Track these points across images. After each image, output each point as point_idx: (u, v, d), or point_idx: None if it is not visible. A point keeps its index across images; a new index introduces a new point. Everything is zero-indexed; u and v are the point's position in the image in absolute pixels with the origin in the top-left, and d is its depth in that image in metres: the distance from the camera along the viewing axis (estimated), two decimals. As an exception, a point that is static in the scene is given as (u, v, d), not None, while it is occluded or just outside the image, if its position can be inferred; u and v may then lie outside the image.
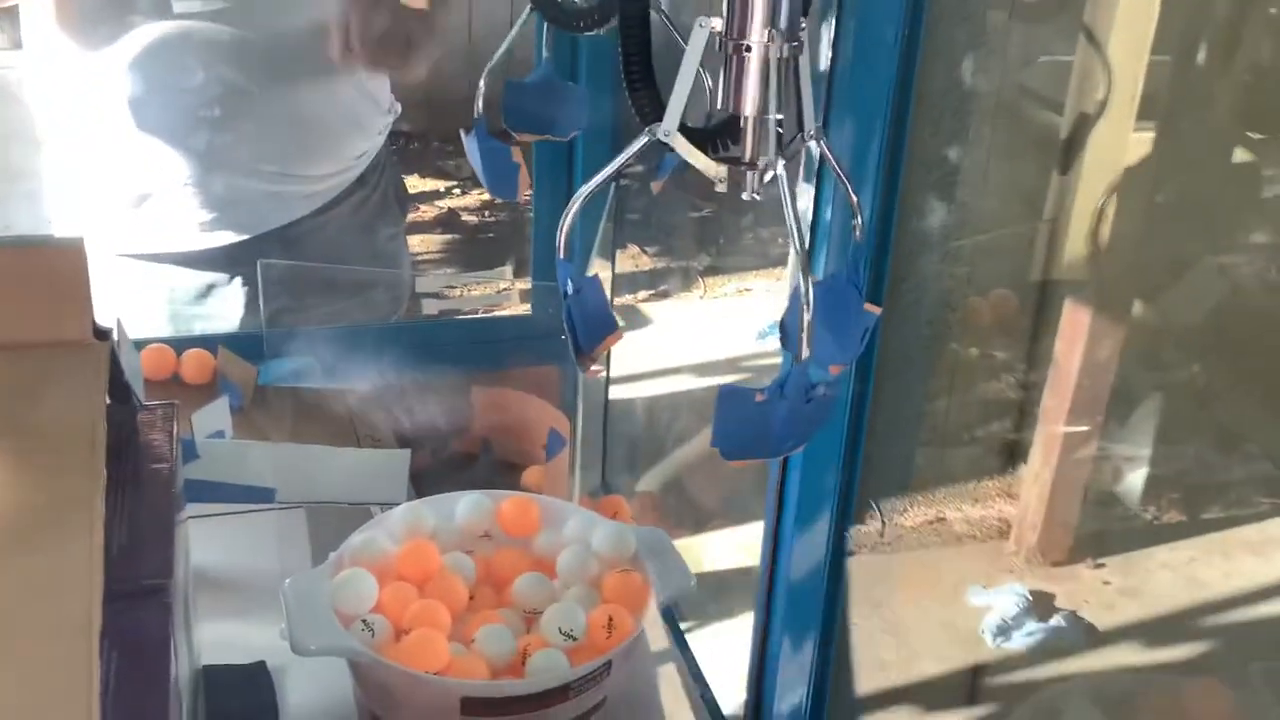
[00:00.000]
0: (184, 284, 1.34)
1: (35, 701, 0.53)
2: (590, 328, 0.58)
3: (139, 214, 1.32)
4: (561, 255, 0.58)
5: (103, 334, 0.59)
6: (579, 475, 1.13)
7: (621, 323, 0.60)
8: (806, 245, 0.73)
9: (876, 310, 0.56)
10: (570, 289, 0.58)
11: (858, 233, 0.58)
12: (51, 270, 0.56)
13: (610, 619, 0.82)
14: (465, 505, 0.93)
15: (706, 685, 0.97)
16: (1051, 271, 1.61)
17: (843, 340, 0.55)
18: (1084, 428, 1.71)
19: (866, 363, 1.45)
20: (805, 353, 0.52)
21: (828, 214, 0.74)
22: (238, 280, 1.33)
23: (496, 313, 1.39)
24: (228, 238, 1.32)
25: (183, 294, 1.34)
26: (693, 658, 1.01)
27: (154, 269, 1.34)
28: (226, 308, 1.34)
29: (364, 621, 0.81)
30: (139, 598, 0.64)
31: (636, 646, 0.85)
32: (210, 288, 1.34)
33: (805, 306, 0.51)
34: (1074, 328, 1.62)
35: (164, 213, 1.31)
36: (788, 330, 0.57)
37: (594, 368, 0.59)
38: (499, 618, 0.85)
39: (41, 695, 0.54)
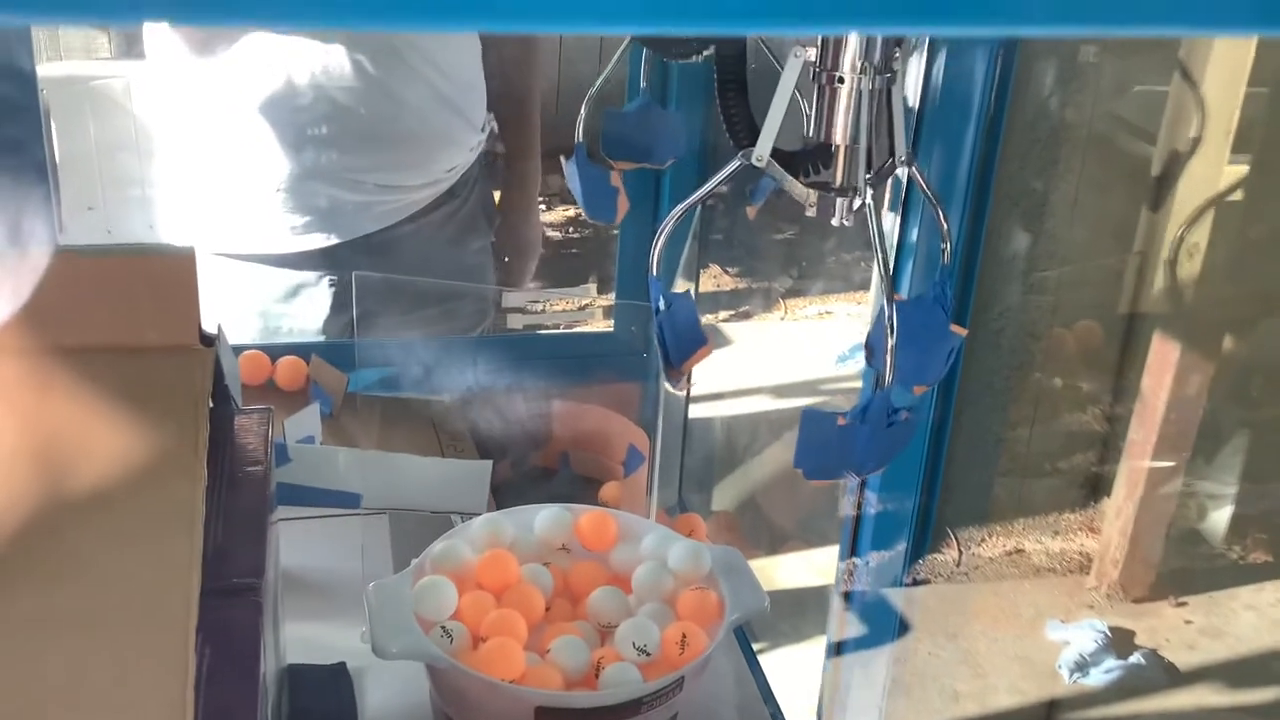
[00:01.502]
0: (275, 284, 1.39)
1: (132, 692, 0.56)
2: (681, 342, 0.59)
3: (237, 217, 1.37)
4: (654, 273, 0.59)
5: (208, 340, 0.61)
6: (656, 492, 1.14)
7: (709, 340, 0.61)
8: (892, 270, 0.73)
9: (962, 332, 0.57)
10: (662, 305, 0.59)
11: (946, 256, 0.59)
12: (163, 277, 0.58)
13: (684, 636, 0.83)
14: (544, 518, 0.95)
15: (777, 705, 0.98)
16: (1140, 304, 1.59)
17: (927, 361, 0.55)
18: (1170, 463, 1.68)
19: (948, 389, 1.45)
20: (889, 377, 0.53)
21: (914, 237, 0.74)
22: (325, 282, 1.38)
23: (580, 328, 1.40)
24: (319, 241, 1.37)
25: (272, 294, 1.39)
26: (763, 677, 1.01)
27: (247, 269, 1.38)
28: (314, 308, 1.38)
29: (443, 628, 0.83)
30: (232, 595, 0.66)
31: (708, 664, 0.86)
32: (299, 288, 1.39)
33: (889, 330, 0.52)
34: (1162, 361, 1.59)
35: (261, 217, 1.36)
36: (873, 347, 0.58)
37: (683, 381, 0.60)
38: (574, 630, 0.87)
39: (138, 686, 0.56)
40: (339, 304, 1.36)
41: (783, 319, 3.37)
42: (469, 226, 1.46)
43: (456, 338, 1.17)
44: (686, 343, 0.60)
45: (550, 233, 3.80)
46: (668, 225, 0.60)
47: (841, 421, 0.53)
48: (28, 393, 0.56)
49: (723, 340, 3.16)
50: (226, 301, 1.38)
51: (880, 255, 0.54)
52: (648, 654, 0.83)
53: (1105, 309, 1.62)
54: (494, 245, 1.52)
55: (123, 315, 0.58)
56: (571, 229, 3.81)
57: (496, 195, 1.56)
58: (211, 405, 0.65)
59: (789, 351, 3.13)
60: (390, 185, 1.37)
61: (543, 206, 3.96)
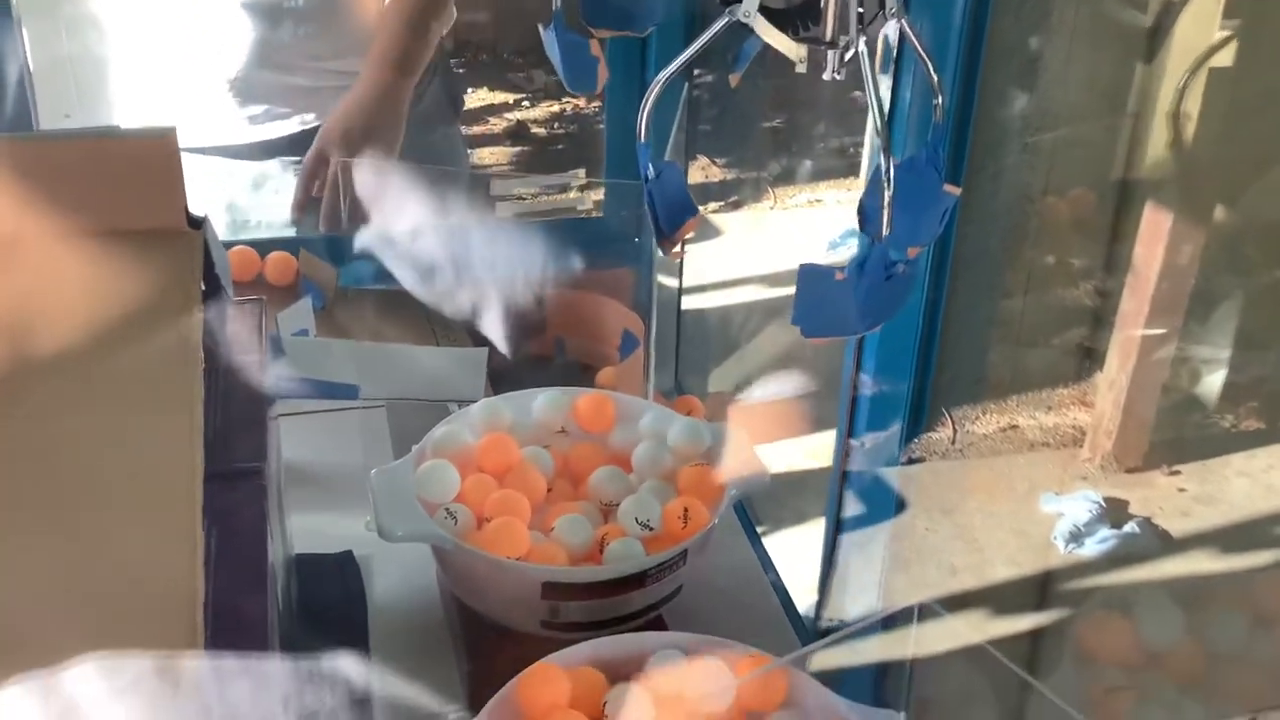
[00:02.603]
0: (238, 177, 1.38)
1: (143, 574, 0.56)
2: (671, 211, 0.59)
3: (194, 108, 1.36)
4: (642, 138, 0.58)
5: (196, 223, 0.60)
6: (653, 377, 1.14)
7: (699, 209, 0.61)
8: (887, 123, 0.72)
9: (956, 191, 0.56)
10: (651, 173, 0.59)
11: (938, 113, 0.58)
12: (145, 159, 0.57)
13: (685, 510, 0.84)
14: (542, 401, 0.95)
15: (778, 575, 0.99)
16: (1133, 170, 1.57)
17: (921, 221, 0.55)
18: (1162, 331, 1.68)
19: (942, 261, 1.44)
20: (885, 231, 0.53)
21: (906, 98, 0.73)
22: (290, 172, 1.36)
23: (570, 215, 1.39)
24: (278, 130, 1.35)
25: (237, 187, 1.38)
26: (764, 551, 1.02)
27: (209, 163, 1.37)
28: (279, 199, 1.37)
29: (447, 510, 0.83)
30: (235, 480, 0.67)
31: (711, 537, 0.87)
32: (264, 179, 1.38)
33: (886, 184, 0.52)
34: (1154, 229, 1.58)
35: (219, 107, 1.35)
36: (866, 212, 0.57)
37: (675, 250, 0.60)
38: (577, 509, 0.87)
39: (148, 568, 0.56)
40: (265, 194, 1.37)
41: (773, 208, 3.35)
42: (434, 112, 1.44)
43: (446, 226, 1.16)
44: (677, 211, 0.59)
45: (535, 129, 3.76)
46: (655, 88, 0.59)
47: (840, 276, 0.53)
48: (16, 280, 0.56)
49: (713, 231, 3.14)
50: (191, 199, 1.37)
51: (875, 105, 0.53)
52: (650, 529, 0.84)
53: (1099, 175, 1.61)
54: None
55: (108, 200, 0.57)
56: (556, 124, 3.77)
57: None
58: (204, 291, 0.64)
59: (780, 240, 3.12)
60: (348, 71, 1.35)
61: (526, 103, 3.91)
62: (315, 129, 1.35)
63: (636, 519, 0.84)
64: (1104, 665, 1.19)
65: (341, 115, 1.26)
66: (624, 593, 0.81)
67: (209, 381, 0.68)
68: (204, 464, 0.58)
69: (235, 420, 0.71)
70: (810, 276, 0.54)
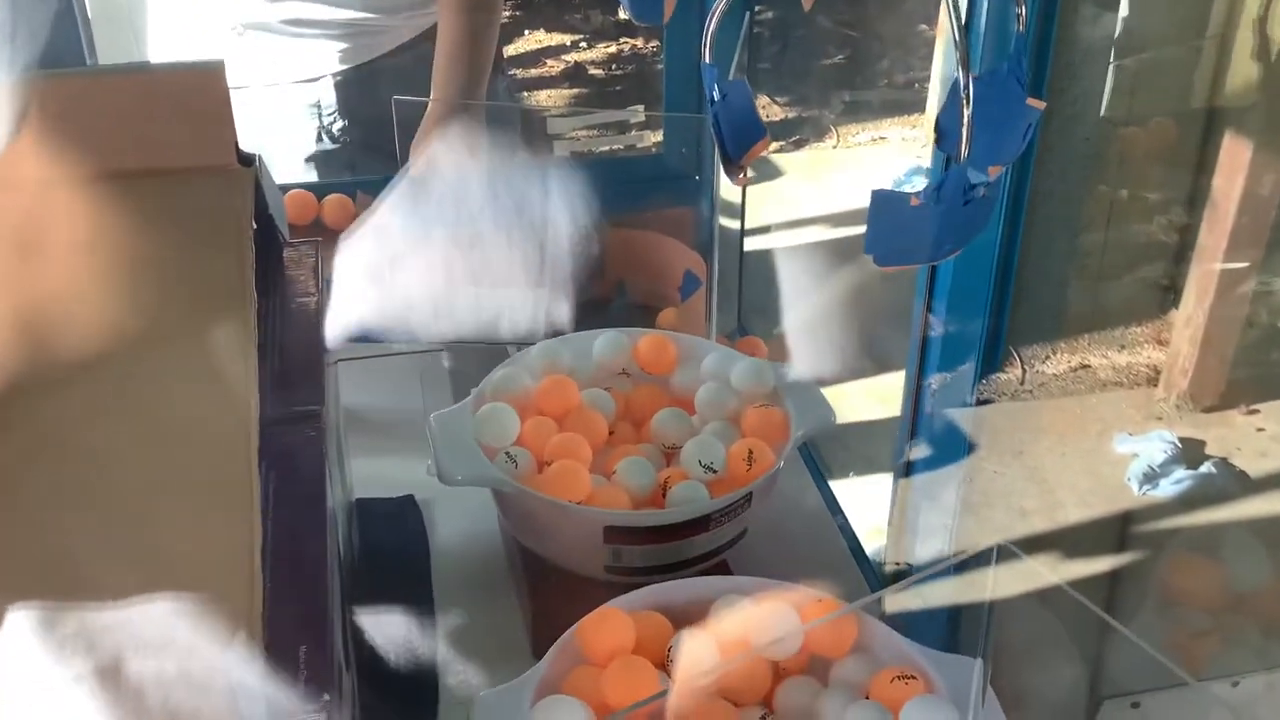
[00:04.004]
0: (290, 115, 1.37)
1: (200, 517, 0.55)
2: (738, 133, 0.56)
3: (231, 49, 1.35)
4: (707, 58, 0.56)
5: (247, 160, 0.59)
6: (715, 319, 1.12)
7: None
8: (965, 35, 0.69)
9: (1040, 105, 0.53)
10: (716, 94, 0.56)
11: (1020, 23, 0.54)
12: (194, 94, 0.56)
13: (750, 452, 0.82)
14: (603, 343, 0.93)
15: (845, 518, 0.97)
16: (1215, 98, 1.51)
17: (1002, 138, 0.52)
18: (1242, 264, 1.62)
19: (1019, 196, 1.40)
20: (964, 150, 0.50)
21: (984, 9, 0.70)
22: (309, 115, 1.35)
23: (628, 153, 1.36)
24: (310, 71, 1.34)
25: (289, 127, 1.37)
26: (831, 493, 1.00)
27: (261, 102, 1.37)
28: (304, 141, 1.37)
29: (507, 454, 0.82)
30: (293, 423, 0.66)
31: (776, 480, 0.85)
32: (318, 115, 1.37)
33: (964, 100, 0.49)
34: (1235, 158, 1.53)
35: (251, 49, 1.33)
36: (943, 130, 0.54)
37: (741, 176, 0.57)
38: (639, 452, 0.86)
39: (205, 511, 0.56)
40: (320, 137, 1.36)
41: (835, 147, 3.29)
42: None
43: (504, 169, 1.14)
44: (744, 133, 0.57)
45: (592, 70, 3.71)
46: (719, 6, 0.57)
47: (915, 202, 0.50)
48: (68, 223, 0.55)
49: (775, 171, 3.09)
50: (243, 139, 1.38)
51: (952, 14, 0.50)
52: (714, 471, 0.82)
53: (1180, 102, 1.55)
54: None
55: (154, 136, 0.56)
56: (614, 66, 3.73)
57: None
58: (257, 232, 0.63)
59: (844, 179, 3.07)
60: (377, 12, 1.34)
61: (584, 44, 3.86)
62: (345, 73, 1.35)
63: (700, 461, 0.82)
64: (1188, 608, 1.16)
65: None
66: (687, 537, 0.80)
67: (264, 324, 0.67)
68: (261, 407, 0.57)
69: (292, 363, 0.70)
70: (883, 202, 0.52)
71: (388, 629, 0.81)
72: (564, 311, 0.99)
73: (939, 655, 0.68)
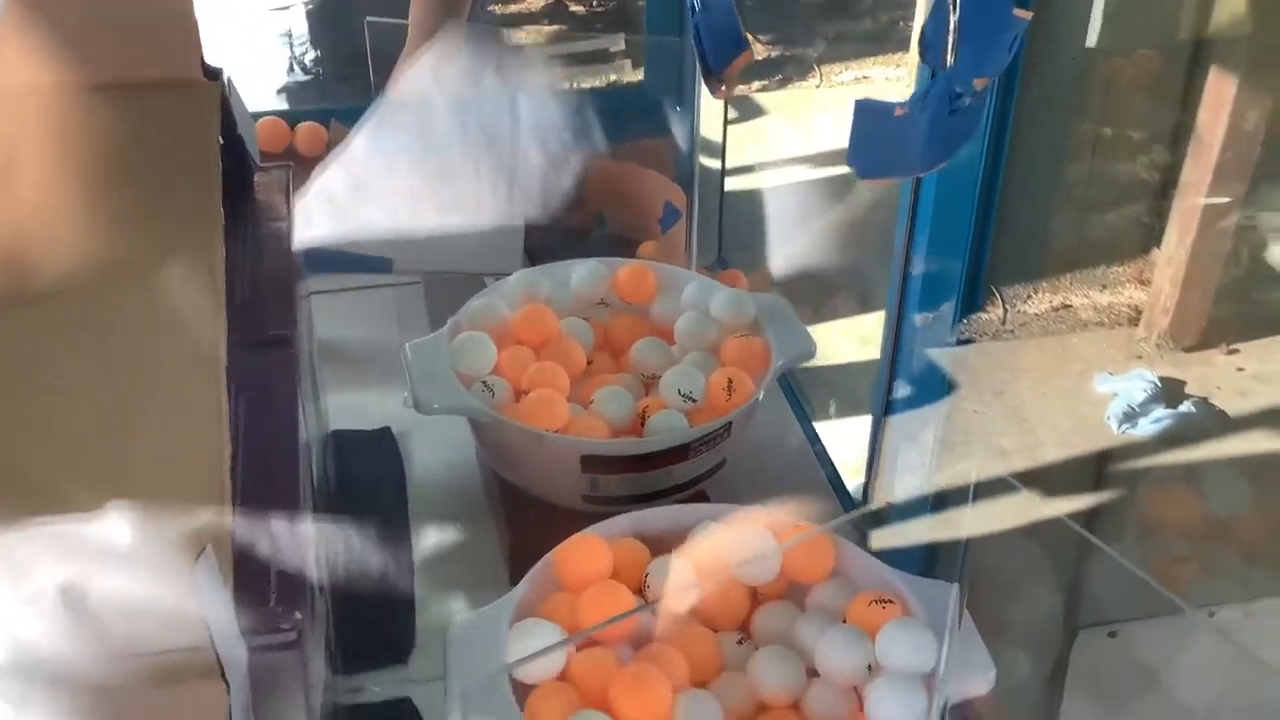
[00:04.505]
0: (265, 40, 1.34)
1: (167, 432, 0.54)
2: (719, 45, 0.55)
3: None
4: (692, -36, 0.54)
5: (213, 74, 0.57)
6: (695, 251, 1.11)
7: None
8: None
9: (1026, 16, 0.51)
10: (698, 4, 0.54)
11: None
12: (157, 5, 0.54)
13: (730, 381, 0.81)
14: (581, 272, 0.92)
15: (825, 450, 0.97)
16: (1201, 28, 1.50)
17: (989, 48, 0.50)
18: (1225, 200, 1.62)
19: (1001, 129, 1.39)
20: (949, 60, 0.48)
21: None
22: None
23: (609, 85, 1.34)
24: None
25: (263, 53, 1.34)
26: (811, 426, 1.00)
27: (234, 26, 1.34)
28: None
29: (484, 383, 0.81)
30: (264, 347, 0.65)
31: (756, 411, 0.84)
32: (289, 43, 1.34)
33: (951, 7, 0.47)
34: (1220, 93, 1.51)
35: None
36: (928, 40, 0.53)
37: (723, 90, 0.56)
38: (618, 382, 0.85)
39: (172, 426, 0.55)
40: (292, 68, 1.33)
41: (819, 86, 3.26)
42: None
43: (481, 94, 1.12)
44: (725, 45, 0.55)
45: (574, 7, 3.66)
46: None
47: (900, 112, 0.49)
48: (25, 139, 0.53)
49: (758, 111, 3.06)
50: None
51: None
52: (693, 400, 0.81)
53: (1166, 33, 1.53)
54: None
55: (116, 48, 0.54)
56: (594, 2, 3.67)
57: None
58: (227, 153, 0.62)
59: (827, 119, 3.04)
60: None
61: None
62: None
63: (679, 390, 0.81)
64: (1167, 535, 1.17)
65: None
66: (666, 466, 0.79)
67: (234, 246, 0.66)
68: (231, 330, 0.56)
69: (264, 288, 0.69)
70: (867, 112, 0.51)
71: (364, 559, 0.80)
72: (540, 241, 0.98)
73: (917, 580, 0.68)
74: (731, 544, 0.67)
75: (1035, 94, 1.35)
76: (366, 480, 0.91)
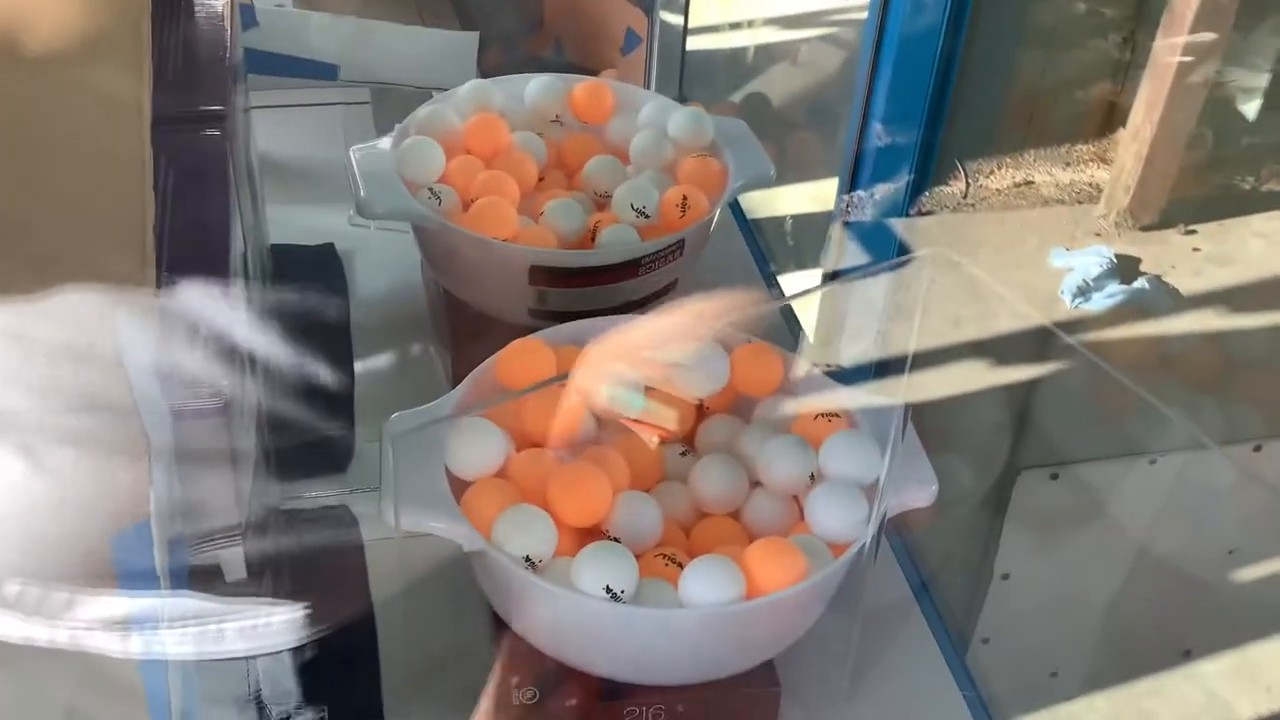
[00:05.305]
0: None
1: (90, 200, 0.52)
2: None
3: None
4: None
5: None
6: (655, 76, 1.07)
7: None
8: None
9: None
10: None
11: None
12: None
13: (685, 199, 0.79)
14: (536, 86, 0.89)
15: (778, 281, 0.95)
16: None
17: None
18: (1194, 79, 1.59)
19: (960, 11, 1.36)
20: None
21: None
22: None
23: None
24: None
25: None
26: (771, 271, 0.98)
27: None
28: None
29: (431, 189, 0.78)
30: (194, 122, 0.62)
31: (710, 231, 0.82)
32: None
33: None
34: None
35: None
36: None
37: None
38: (570, 197, 0.82)
39: (95, 196, 0.52)
40: None
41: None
42: None
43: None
44: None
45: None
46: None
47: None
48: None
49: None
50: None
51: None
52: (646, 216, 0.79)
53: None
54: None
55: None
56: None
57: None
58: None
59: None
60: None
61: None
62: None
63: (632, 205, 0.79)
64: (1114, 365, 1.17)
65: None
66: (616, 281, 0.77)
67: (163, 26, 0.62)
68: (161, 107, 0.53)
69: (197, 64, 0.65)
70: None
71: (302, 368, 0.78)
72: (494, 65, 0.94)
73: (864, 395, 0.67)
74: (675, 343, 0.66)
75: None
76: (307, 293, 0.88)
